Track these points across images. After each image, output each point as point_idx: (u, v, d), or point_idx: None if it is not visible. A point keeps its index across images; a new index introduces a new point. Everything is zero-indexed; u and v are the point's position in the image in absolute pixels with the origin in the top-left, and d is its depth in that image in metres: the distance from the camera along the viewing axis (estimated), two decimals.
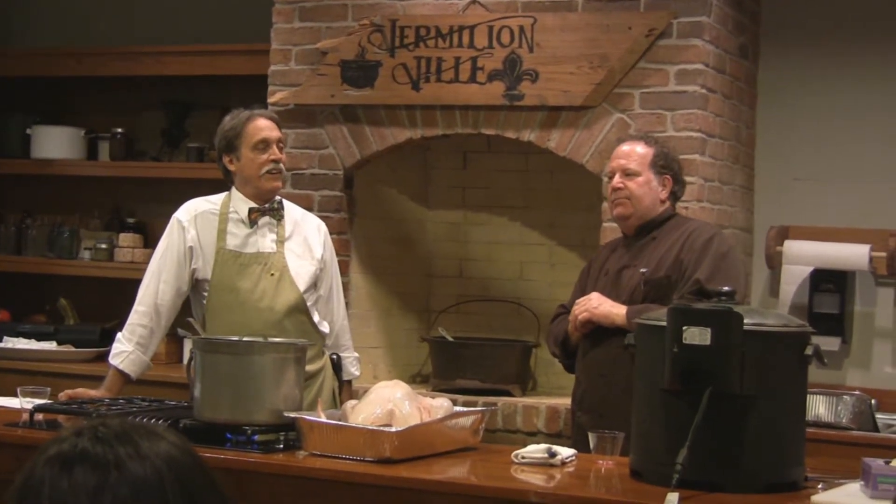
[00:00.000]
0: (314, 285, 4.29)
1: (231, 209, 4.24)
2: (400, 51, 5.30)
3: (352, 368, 4.44)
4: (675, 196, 4.28)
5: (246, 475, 3.41)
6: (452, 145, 5.75)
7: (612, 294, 4.15)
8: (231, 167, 4.24)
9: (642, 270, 4.11)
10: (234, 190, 4.27)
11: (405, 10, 5.34)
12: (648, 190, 4.18)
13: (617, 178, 4.20)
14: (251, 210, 4.22)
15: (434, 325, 5.81)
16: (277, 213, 4.26)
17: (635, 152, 4.21)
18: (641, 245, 4.21)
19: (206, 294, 4.21)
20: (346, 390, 4.40)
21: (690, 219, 4.42)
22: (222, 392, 3.63)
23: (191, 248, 4.21)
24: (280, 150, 4.23)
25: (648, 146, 4.24)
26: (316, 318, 4.28)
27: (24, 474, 1.46)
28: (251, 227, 4.23)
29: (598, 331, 4.14)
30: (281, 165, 4.23)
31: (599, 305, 4.12)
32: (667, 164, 4.24)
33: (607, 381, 4.10)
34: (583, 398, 4.24)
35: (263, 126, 4.21)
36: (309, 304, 4.25)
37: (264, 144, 4.19)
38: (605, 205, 4.99)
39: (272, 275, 4.20)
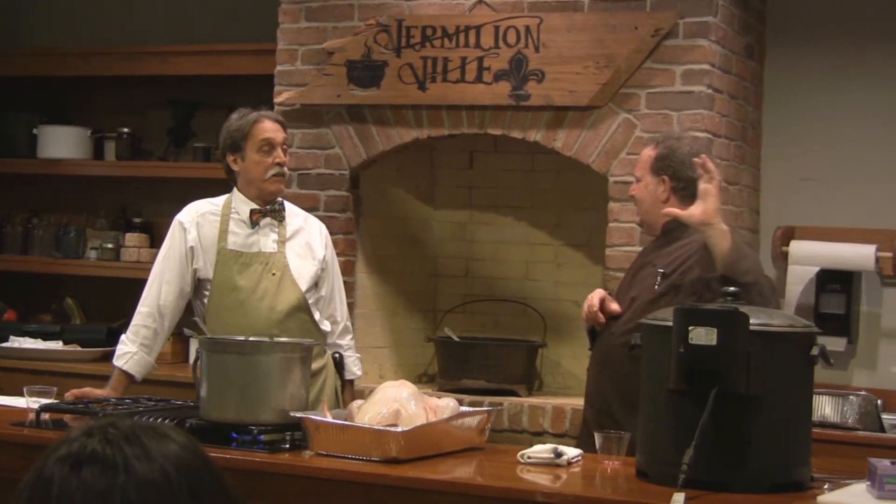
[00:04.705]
0: (315, 285, 4.30)
1: (233, 209, 4.26)
2: (406, 51, 5.30)
3: (354, 368, 4.46)
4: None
5: (252, 475, 3.41)
6: (458, 145, 5.75)
7: (629, 290, 4.13)
8: (235, 167, 4.25)
9: (660, 270, 4.04)
10: (235, 191, 4.28)
11: (411, 10, 5.34)
12: (647, 194, 4.13)
13: (632, 185, 4.23)
14: (252, 211, 4.24)
15: (440, 324, 5.81)
16: (279, 215, 4.27)
17: (642, 157, 4.19)
18: (661, 244, 4.17)
19: (207, 294, 4.22)
20: (348, 390, 4.42)
21: None
22: (228, 392, 3.63)
23: (192, 248, 4.22)
24: (284, 152, 4.24)
25: (654, 149, 4.16)
26: (317, 316, 4.29)
27: (34, 473, 1.47)
28: (252, 227, 4.24)
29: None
30: (285, 168, 4.25)
31: None
32: (665, 164, 4.11)
33: (608, 375, 4.07)
34: (587, 392, 4.21)
35: (269, 128, 4.22)
36: (310, 302, 4.26)
37: (269, 146, 4.20)
38: (612, 205, 5.01)
39: (273, 274, 4.20)
